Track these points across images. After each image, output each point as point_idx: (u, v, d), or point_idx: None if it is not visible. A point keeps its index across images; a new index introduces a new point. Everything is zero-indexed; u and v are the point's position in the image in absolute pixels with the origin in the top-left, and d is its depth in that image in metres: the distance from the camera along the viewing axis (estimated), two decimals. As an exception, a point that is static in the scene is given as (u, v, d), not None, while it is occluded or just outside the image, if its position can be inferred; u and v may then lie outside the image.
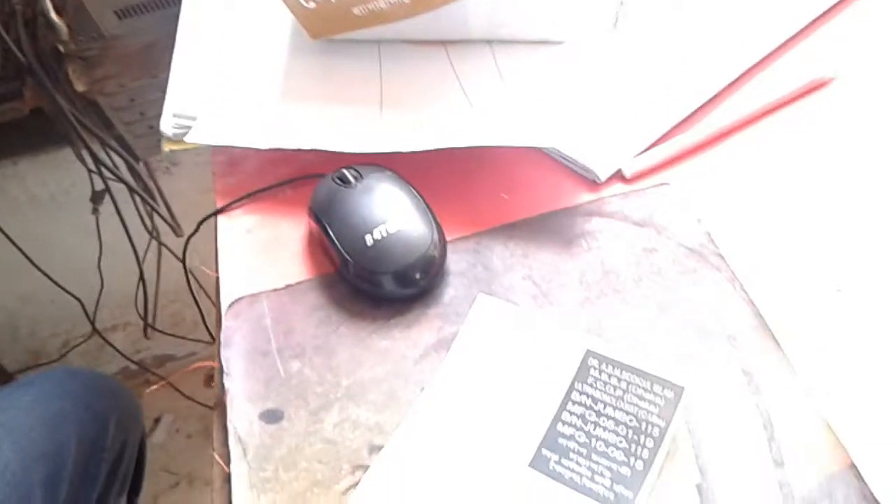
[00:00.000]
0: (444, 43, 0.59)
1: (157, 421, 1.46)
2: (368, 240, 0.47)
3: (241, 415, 0.44)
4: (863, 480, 0.38)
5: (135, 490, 0.85)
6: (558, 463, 0.40)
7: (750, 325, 0.45)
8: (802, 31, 0.61)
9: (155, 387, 1.34)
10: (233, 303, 0.49)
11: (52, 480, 0.67)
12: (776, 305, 0.46)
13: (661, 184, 0.53)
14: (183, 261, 0.57)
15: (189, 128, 0.55)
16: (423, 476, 0.41)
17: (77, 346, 1.34)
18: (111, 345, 1.29)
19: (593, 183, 0.53)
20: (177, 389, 1.37)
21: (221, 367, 0.46)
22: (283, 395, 0.45)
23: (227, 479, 0.43)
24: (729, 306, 0.46)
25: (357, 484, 0.41)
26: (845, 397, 0.42)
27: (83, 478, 0.72)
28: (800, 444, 0.40)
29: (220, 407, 0.46)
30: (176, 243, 1.16)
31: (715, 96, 0.57)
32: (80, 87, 0.87)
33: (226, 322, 0.48)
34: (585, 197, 0.53)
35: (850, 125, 0.55)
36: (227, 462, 0.43)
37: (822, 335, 0.44)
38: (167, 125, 0.56)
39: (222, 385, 0.46)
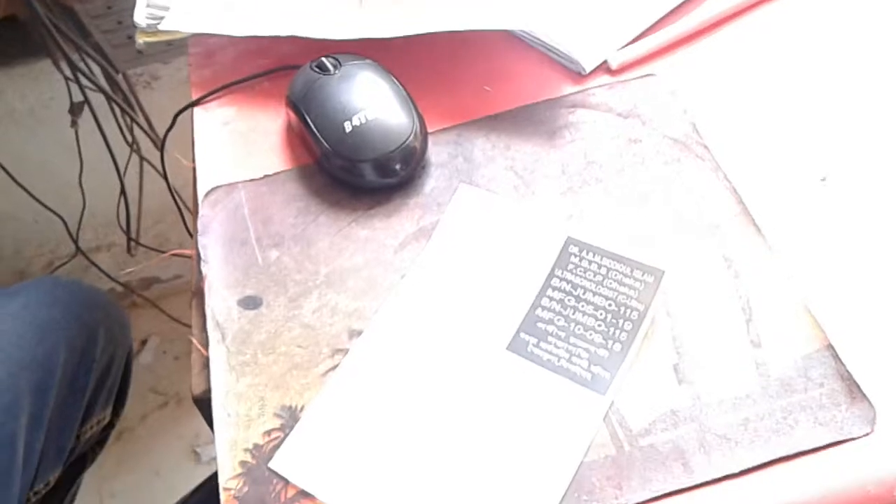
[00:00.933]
0: (427, -70, 0.57)
1: (143, 343, 1.46)
2: (347, 126, 0.46)
3: (220, 300, 0.44)
4: (839, 360, 0.38)
5: (120, 402, 0.86)
6: (536, 346, 0.40)
7: (732, 213, 0.45)
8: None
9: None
10: (210, 191, 0.48)
11: (40, 388, 0.67)
12: (759, 195, 0.45)
13: (647, 75, 0.52)
14: (161, 157, 0.56)
15: (163, 17, 0.54)
16: (403, 358, 0.41)
17: (62, 265, 1.33)
18: (96, 265, 1.28)
19: (578, 74, 0.52)
20: (163, 311, 1.37)
21: (198, 253, 0.46)
22: (262, 283, 0.45)
23: (206, 363, 0.43)
24: (712, 195, 0.46)
25: (336, 367, 0.41)
26: (825, 282, 0.42)
27: (72, 387, 0.72)
28: (778, 326, 0.40)
29: (197, 294, 0.46)
30: (157, 160, 1.14)
31: (704, -12, 0.55)
32: (55, -9, 0.85)
33: (202, 210, 0.48)
34: (569, 88, 0.52)
35: (838, 18, 0.54)
36: (206, 347, 0.43)
37: (804, 224, 0.44)
38: (140, 15, 0.54)
39: (199, 272, 0.45)
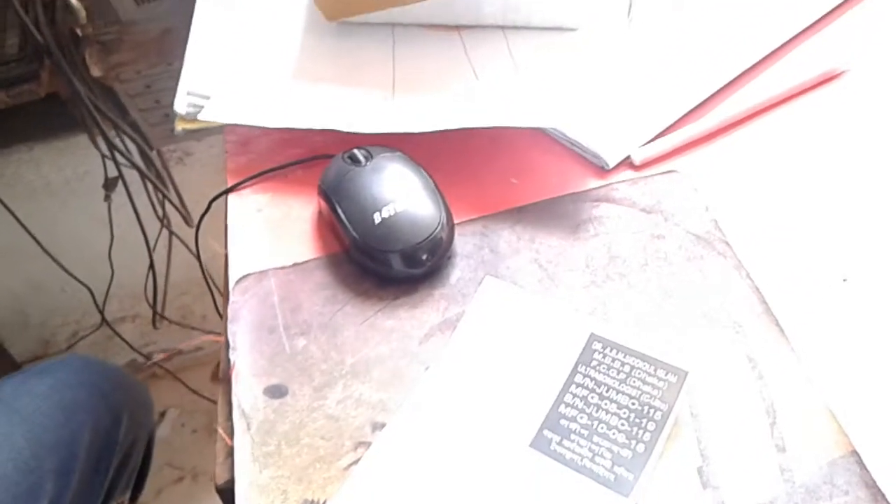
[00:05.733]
0: (457, 28, 0.59)
1: (162, 415, 1.46)
2: (377, 218, 0.47)
3: (246, 389, 0.45)
4: (864, 467, 0.38)
5: (139, 484, 0.85)
6: (559, 444, 0.40)
7: (755, 313, 0.45)
8: (816, 23, 0.61)
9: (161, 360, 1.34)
10: (241, 279, 0.49)
11: (64, 470, 0.67)
12: (781, 294, 0.46)
13: (670, 171, 0.53)
14: (196, 240, 0.58)
15: (202, 107, 0.56)
16: (425, 454, 0.41)
17: (86, 336, 1.35)
18: (120, 336, 1.29)
19: (602, 169, 0.53)
20: (184, 384, 1.37)
21: (227, 341, 0.47)
22: (288, 371, 0.45)
23: (231, 452, 0.43)
24: (734, 293, 0.46)
25: (359, 460, 0.41)
26: (848, 385, 0.42)
27: (94, 469, 0.72)
28: (802, 431, 0.40)
29: (225, 381, 0.46)
30: (187, 235, 1.16)
31: (726, 86, 0.57)
32: (96, 72, 0.88)
33: (233, 297, 0.49)
34: (594, 183, 0.53)
35: (860, 117, 0.55)
36: (231, 436, 0.43)
37: (827, 324, 0.44)
38: (181, 103, 0.56)
39: (228, 359, 0.46)
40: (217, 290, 0.55)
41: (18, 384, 0.72)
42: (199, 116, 0.55)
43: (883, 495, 0.37)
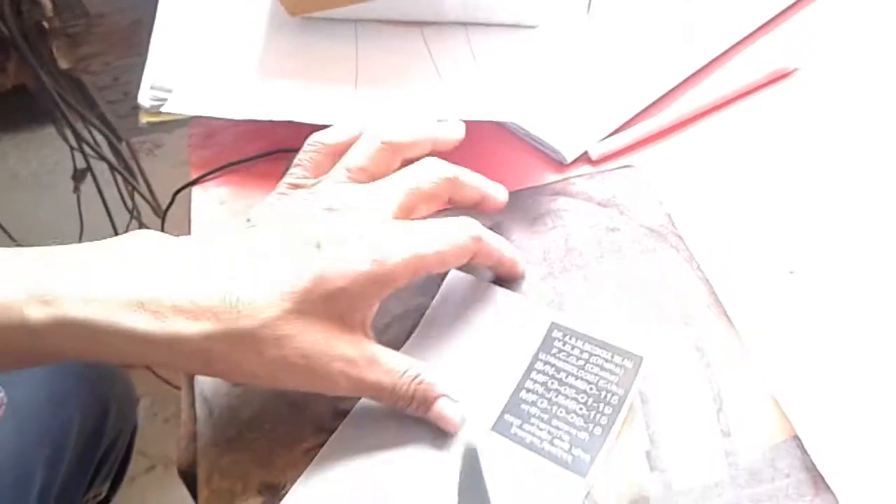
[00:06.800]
0: (420, 24, 0.60)
1: (134, 404, 1.46)
2: (338, 212, 0.48)
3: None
4: (805, 451, 0.40)
5: (119, 476, 0.85)
6: (520, 427, 0.42)
7: (705, 304, 0.46)
8: (768, 23, 0.63)
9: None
10: (204, 270, 0.50)
11: (53, 461, 0.67)
12: (731, 285, 0.47)
13: (626, 166, 0.54)
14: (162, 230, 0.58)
15: (166, 99, 0.56)
16: (387, 438, 0.42)
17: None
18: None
19: (560, 163, 0.55)
20: (154, 373, 1.37)
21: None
22: (251, 359, 0.46)
23: (193, 438, 0.44)
24: (686, 285, 0.47)
25: (321, 445, 0.42)
26: (792, 373, 0.43)
27: (80, 461, 0.71)
28: (747, 417, 0.41)
29: (188, 369, 0.47)
30: (157, 225, 1.16)
31: (681, 83, 0.58)
32: (64, 64, 0.88)
33: (196, 288, 0.49)
34: (552, 177, 0.54)
35: (811, 115, 0.57)
36: (194, 422, 0.44)
37: (773, 315, 0.46)
38: (144, 97, 0.57)
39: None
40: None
41: (6, 375, 0.71)
42: (163, 109, 0.56)
43: (822, 478, 0.39)
